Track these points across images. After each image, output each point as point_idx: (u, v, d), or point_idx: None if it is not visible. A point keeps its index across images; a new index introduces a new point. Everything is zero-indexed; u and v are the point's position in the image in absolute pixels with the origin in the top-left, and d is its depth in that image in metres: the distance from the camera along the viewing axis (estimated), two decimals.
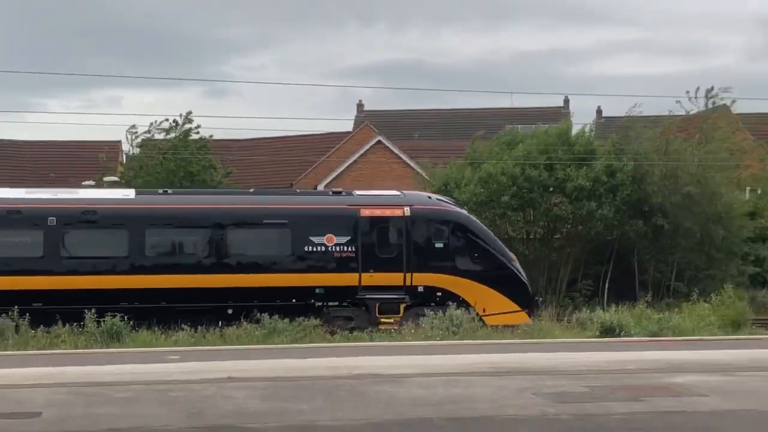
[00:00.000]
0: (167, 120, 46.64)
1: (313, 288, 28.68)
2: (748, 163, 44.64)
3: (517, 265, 31.13)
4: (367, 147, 51.85)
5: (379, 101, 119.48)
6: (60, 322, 24.89)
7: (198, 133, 47.17)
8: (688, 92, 43.54)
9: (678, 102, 43.38)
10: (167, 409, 14.29)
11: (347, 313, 28.78)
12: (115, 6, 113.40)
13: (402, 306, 28.87)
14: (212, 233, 29.20)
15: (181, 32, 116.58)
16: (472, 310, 27.86)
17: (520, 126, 50.01)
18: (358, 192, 31.74)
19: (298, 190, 34.93)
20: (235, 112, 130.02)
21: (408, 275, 29.31)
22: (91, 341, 24.06)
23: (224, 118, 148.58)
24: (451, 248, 29.93)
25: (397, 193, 31.90)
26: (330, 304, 28.89)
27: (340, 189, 33.09)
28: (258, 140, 57.20)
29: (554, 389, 15.92)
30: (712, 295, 31.18)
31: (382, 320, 28.33)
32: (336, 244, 29.14)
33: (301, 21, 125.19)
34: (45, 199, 29.00)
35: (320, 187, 46.56)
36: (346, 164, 51.17)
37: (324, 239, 29.06)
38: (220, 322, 26.70)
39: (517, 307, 29.62)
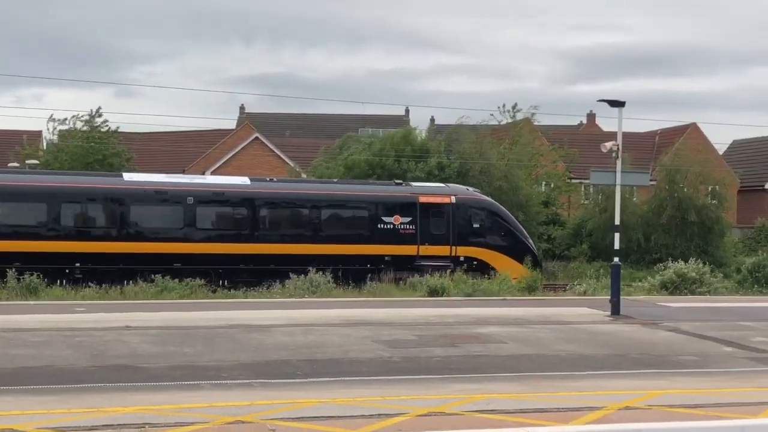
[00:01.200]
0: (80, 115, 45.29)
1: (383, 256, 30.42)
2: (544, 163, 45.88)
3: (531, 242, 33.95)
4: (246, 142, 51.43)
5: (259, 106, 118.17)
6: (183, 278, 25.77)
7: (107, 126, 45.89)
8: (499, 107, 44.72)
9: (492, 114, 44.51)
10: (73, 351, 13.94)
11: (405, 274, 29.66)
12: (35, 14, 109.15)
13: (448, 271, 29.47)
14: (310, 212, 31.18)
15: (94, 41, 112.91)
16: (499, 274, 29.48)
17: (370, 129, 50.33)
18: (414, 183, 34.04)
19: (370, 181, 36.63)
20: (140, 110, 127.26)
21: (453, 248, 31.58)
22: (12, 295, 23.20)
23: (131, 114, 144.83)
24: (485, 228, 32.47)
25: (443, 185, 34.28)
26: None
27: (400, 180, 34.29)
28: (157, 134, 55.88)
29: (390, 337, 16.08)
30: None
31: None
32: (401, 224, 31.34)
33: (197, 37, 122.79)
34: (184, 183, 30.81)
35: (207, 174, 45.75)
36: (229, 156, 50.62)
37: (392, 219, 31.29)
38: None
39: (525, 270, 30.94)
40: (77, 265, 27.38)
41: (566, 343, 16.07)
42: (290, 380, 12.04)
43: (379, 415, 9.33)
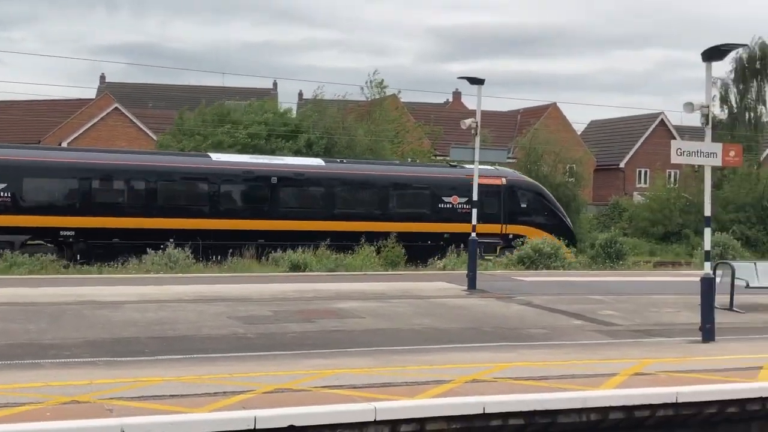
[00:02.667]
0: None
1: (443, 233, 31.72)
2: (410, 139, 46.21)
3: (569, 221, 36.70)
4: (105, 113, 49.76)
5: (123, 76, 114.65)
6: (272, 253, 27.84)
7: None
8: (366, 83, 44.73)
9: (361, 89, 44.54)
10: None
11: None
12: None
13: (498, 248, 32.30)
14: (380, 192, 32.80)
15: None
16: None
17: (233, 102, 49.51)
18: (467, 165, 33.48)
19: (430, 164, 38.75)
20: None
21: (503, 226, 33.91)
22: None
23: None
24: (531, 208, 34.86)
25: (492, 167, 35.08)
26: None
27: (455, 162, 34.35)
28: (12, 102, 53.48)
29: (246, 313, 15.81)
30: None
31: (486, 257, 30.12)
32: (459, 203, 33.18)
33: (59, 3, 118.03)
34: (269, 164, 32.21)
35: (64, 144, 44.05)
36: (87, 126, 48.84)
37: (451, 200, 33.29)
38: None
39: (567, 250, 32.20)
40: (171, 240, 27.48)
41: (422, 317, 16.19)
42: (137, 358, 11.63)
43: (225, 392, 9.11)
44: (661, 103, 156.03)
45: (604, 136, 65.08)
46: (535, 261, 28.36)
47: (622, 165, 60.21)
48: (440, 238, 31.84)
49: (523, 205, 34.72)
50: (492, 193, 33.62)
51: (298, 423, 8.38)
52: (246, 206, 31.13)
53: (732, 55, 26.17)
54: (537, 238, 31.78)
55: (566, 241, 32.88)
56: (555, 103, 59.95)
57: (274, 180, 31.17)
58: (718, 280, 16.58)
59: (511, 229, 33.93)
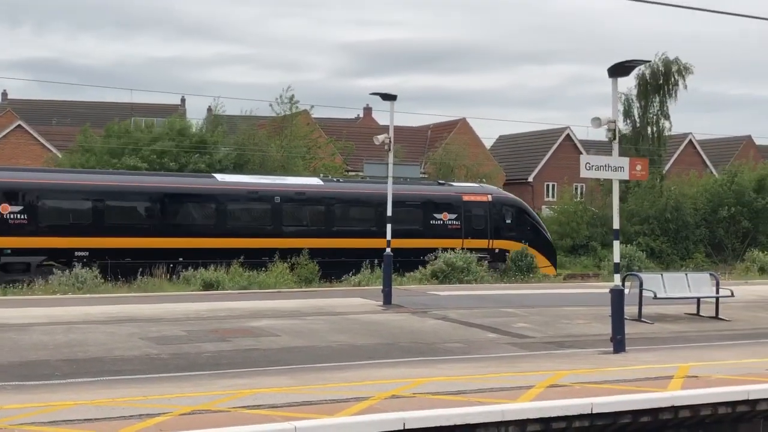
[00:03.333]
0: None
1: (435, 248, 31.48)
2: (321, 155, 46.20)
3: (549, 235, 38.41)
4: (8, 130, 48.42)
5: (25, 92, 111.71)
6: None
7: None
8: (277, 99, 44.63)
9: (270, 105, 44.39)
10: None
11: None
12: None
13: (485, 262, 32.78)
14: (375, 210, 33.32)
15: None
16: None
17: (144, 119, 48.79)
18: (455, 183, 37.87)
19: (423, 182, 39.14)
20: None
21: (490, 241, 35.46)
22: None
23: None
24: (515, 223, 36.29)
25: (477, 185, 38.23)
26: None
27: (443, 180, 37.55)
28: None
29: (158, 333, 15.51)
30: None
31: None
32: (449, 220, 34.83)
33: None
34: (273, 183, 33.38)
35: None
36: None
37: (441, 216, 34.75)
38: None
39: (549, 264, 36.12)
40: (180, 259, 29.08)
41: (338, 333, 16.14)
42: (47, 381, 11.30)
43: (140, 415, 8.90)
44: (568, 119, 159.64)
45: (513, 150, 66.16)
46: (449, 275, 28.61)
47: (530, 179, 61.26)
48: (431, 252, 31.94)
49: (508, 221, 36.27)
50: (478, 209, 35.54)
51: None
52: (251, 225, 32.24)
53: (635, 71, 26.87)
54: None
55: (549, 257, 36.00)
56: (464, 119, 60.71)
57: (277, 199, 32.46)
58: (626, 291, 16.96)
59: (497, 244, 35.54)
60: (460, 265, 28.88)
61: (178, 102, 64.14)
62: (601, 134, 43.58)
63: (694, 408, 10.55)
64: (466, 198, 35.48)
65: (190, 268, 27.57)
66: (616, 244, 15.21)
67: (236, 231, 31.51)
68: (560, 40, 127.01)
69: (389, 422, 9.01)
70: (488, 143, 64.67)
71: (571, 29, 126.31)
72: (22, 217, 28.37)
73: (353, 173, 47.38)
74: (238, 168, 40.06)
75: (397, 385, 10.86)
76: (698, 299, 19.90)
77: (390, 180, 21.48)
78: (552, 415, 9.82)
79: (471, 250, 32.49)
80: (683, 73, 50.11)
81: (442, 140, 56.29)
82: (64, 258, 28.31)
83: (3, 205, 28.10)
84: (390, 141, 20.93)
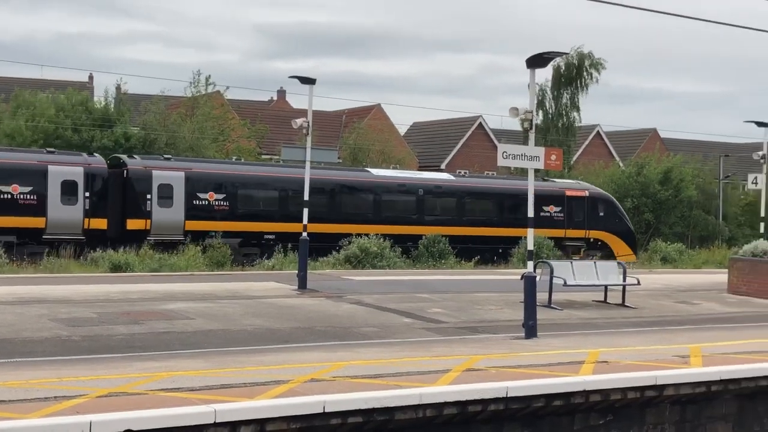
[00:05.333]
0: None
1: (543, 238, 35.57)
2: (235, 138, 45.79)
3: (632, 226, 42.73)
4: None
5: None
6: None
7: None
8: (191, 81, 44.13)
9: (189, 84, 43.98)
10: None
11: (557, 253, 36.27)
12: None
13: (582, 249, 38.72)
14: (498, 202, 38.69)
15: None
16: (611, 253, 38.78)
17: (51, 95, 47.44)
18: (557, 180, 42.53)
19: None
20: None
21: (587, 232, 40.04)
22: None
23: None
24: (607, 216, 40.80)
25: (575, 181, 43.64)
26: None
27: (546, 177, 41.73)
28: None
29: (68, 315, 15.24)
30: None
31: (573, 257, 35.64)
32: (555, 212, 39.17)
33: None
34: (417, 177, 38.50)
35: None
36: None
37: (549, 209, 38.86)
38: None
39: (630, 252, 40.20)
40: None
41: (254, 317, 16.11)
42: None
43: (56, 397, 8.77)
44: (482, 107, 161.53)
45: (426, 137, 66.63)
46: (362, 260, 28.75)
47: (443, 166, 61.73)
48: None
49: (601, 214, 40.77)
50: (578, 203, 40.17)
51: (135, 427, 8.16)
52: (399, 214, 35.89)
53: (551, 63, 27.35)
54: (612, 242, 40.15)
55: (631, 246, 40.54)
56: (379, 104, 60.86)
57: (420, 192, 36.77)
58: (538, 278, 17.35)
59: (592, 234, 40.26)
60: (374, 250, 29.06)
61: (86, 79, 62.63)
62: (513, 123, 44.16)
63: (604, 392, 10.89)
64: (568, 193, 40.41)
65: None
66: (530, 231, 15.55)
67: (388, 219, 35.19)
68: (476, 29, 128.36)
69: (309, 405, 9.07)
70: (403, 129, 65.00)
71: (488, 19, 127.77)
72: (225, 204, 32.31)
73: (267, 157, 47.07)
74: (147, 147, 39.36)
75: (315, 369, 10.93)
76: (606, 287, 20.48)
77: (308, 165, 21.42)
78: (468, 399, 10.02)
79: (571, 238, 39.21)
80: (596, 67, 51.27)
81: (357, 125, 56.35)
82: (255, 240, 32.30)
83: None
84: (308, 125, 20.90)
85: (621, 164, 60.26)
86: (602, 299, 20.56)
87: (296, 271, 21.51)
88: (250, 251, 31.88)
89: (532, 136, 15.53)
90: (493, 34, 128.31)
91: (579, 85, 51.60)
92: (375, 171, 38.26)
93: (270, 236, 31.85)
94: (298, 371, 10.73)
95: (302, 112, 21.61)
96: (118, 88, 45.69)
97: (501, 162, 15.41)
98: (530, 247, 15.54)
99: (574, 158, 58.57)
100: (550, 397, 10.54)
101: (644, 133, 71.82)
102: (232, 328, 14.97)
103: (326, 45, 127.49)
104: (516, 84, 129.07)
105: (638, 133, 71.74)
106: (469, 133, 63.19)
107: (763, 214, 26.11)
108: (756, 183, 25.87)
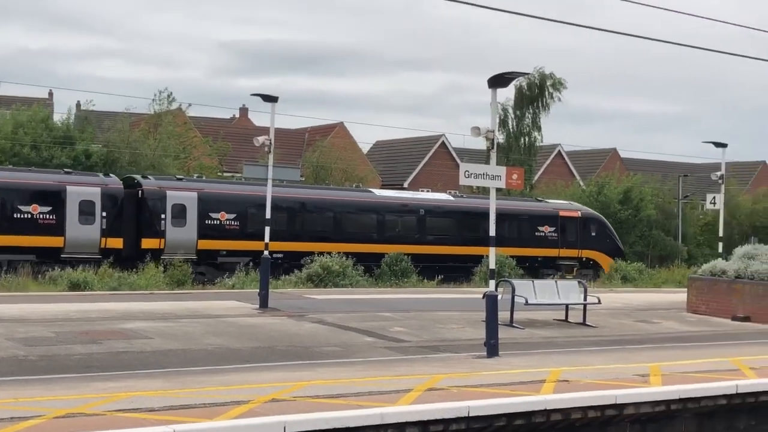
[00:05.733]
0: None
1: (537, 257, 39.38)
2: (196, 155, 45.60)
3: (621, 245, 43.98)
4: None
5: None
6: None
7: None
8: (154, 97, 43.99)
9: (152, 101, 43.88)
10: None
11: (550, 272, 39.10)
12: None
13: (574, 269, 39.87)
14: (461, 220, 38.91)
15: None
16: (601, 271, 40.41)
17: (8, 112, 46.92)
18: (550, 200, 43.97)
19: (526, 198, 45.24)
20: None
21: (579, 251, 41.27)
22: None
23: None
24: (598, 235, 42.20)
25: (567, 202, 44.76)
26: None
27: (541, 198, 44.24)
28: None
29: (25, 334, 15.02)
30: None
31: (566, 276, 36.87)
32: (549, 232, 40.48)
33: None
34: (419, 198, 39.34)
35: None
36: None
37: (543, 229, 40.34)
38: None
39: None
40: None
41: (214, 336, 15.98)
42: None
43: (12, 418, 8.62)
44: (444, 126, 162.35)
45: (389, 156, 66.77)
46: (324, 279, 28.67)
47: (405, 185, 61.87)
48: (535, 260, 39.33)
49: (593, 234, 42.04)
50: (571, 223, 41.36)
51: None
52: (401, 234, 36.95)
53: (513, 82, 27.81)
54: (603, 260, 41.05)
55: (618, 260, 41.20)
56: (342, 122, 60.93)
57: (421, 212, 38.06)
58: (499, 297, 17.41)
59: (585, 253, 41.45)
60: (336, 269, 29.00)
61: (46, 96, 62.06)
62: (475, 143, 44.56)
63: (565, 411, 10.94)
64: (562, 213, 41.55)
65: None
66: (492, 250, 15.60)
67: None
68: (439, 48, 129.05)
69: (270, 426, 9.01)
70: (365, 148, 65.10)
71: (450, 38, 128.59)
72: (235, 223, 33.18)
73: (229, 174, 46.88)
74: (108, 166, 39.03)
75: (276, 389, 10.86)
76: (567, 306, 20.60)
77: (269, 183, 21.34)
78: (430, 418, 10.01)
79: (564, 258, 40.47)
80: (558, 87, 51.80)
81: (319, 143, 56.34)
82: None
83: None
84: (270, 143, 20.86)
85: (582, 183, 60.81)
86: (563, 318, 20.68)
87: (258, 290, 21.38)
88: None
89: (493, 155, 15.62)
90: (455, 54, 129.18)
91: (541, 104, 52.12)
92: (378, 192, 39.95)
93: (278, 255, 31.26)
94: (259, 391, 10.65)
95: (265, 130, 21.54)
96: (78, 104, 45.32)
97: (463, 181, 15.48)
98: (492, 266, 15.59)
99: (536, 177, 59.00)
100: (511, 416, 10.57)
101: (604, 153, 72.55)
102: (193, 347, 14.84)
103: (289, 63, 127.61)
104: (478, 103, 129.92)
105: (599, 153, 72.45)
106: (432, 151, 63.42)
107: (721, 233, 26.46)
108: (714, 203, 26.22)
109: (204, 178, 36.89)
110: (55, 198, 29.52)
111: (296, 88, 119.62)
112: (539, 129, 52.65)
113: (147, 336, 15.54)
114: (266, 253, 21.14)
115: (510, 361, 14.40)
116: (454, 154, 61.88)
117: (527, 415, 10.63)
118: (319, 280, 28.58)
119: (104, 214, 30.21)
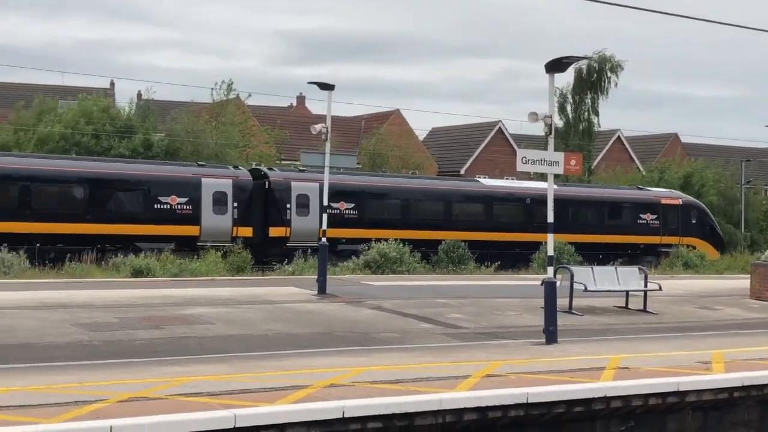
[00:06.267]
0: None
1: (639, 245, 40.54)
2: (255, 143, 45.98)
3: (720, 232, 44.60)
4: None
5: None
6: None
7: None
8: (213, 87, 44.45)
9: (211, 91, 44.38)
10: None
11: (650, 258, 39.19)
12: None
13: (672, 255, 39.04)
14: (597, 210, 40.93)
15: None
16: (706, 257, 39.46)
17: (71, 101, 47.77)
18: (651, 188, 44.73)
19: (632, 187, 46.33)
20: None
21: (680, 238, 41.40)
22: None
23: None
24: (698, 223, 42.89)
25: (667, 190, 45.36)
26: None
27: (641, 186, 45.12)
28: None
29: (90, 320, 15.28)
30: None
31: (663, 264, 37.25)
32: (651, 219, 41.47)
33: None
34: (521, 187, 39.81)
35: None
36: None
37: (646, 216, 41.38)
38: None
39: (718, 255, 41.70)
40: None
41: (273, 322, 16.11)
42: None
43: (77, 402, 8.80)
44: (502, 112, 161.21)
45: (445, 143, 66.57)
46: (381, 265, 28.71)
47: (462, 171, 61.69)
48: (637, 248, 40.63)
49: (693, 221, 42.84)
50: (672, 211, 42.17)
51: None
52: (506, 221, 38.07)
53: (573, 67, 27.60)
54: (703, 247, 41.28)
55: (719, 249, 42.49)
56: (398, 110, 60.87)
57: (528, 200, 38.20)
58: (558, 284, 17.27)
59: (685, 240, 41.82)
60: (393, 255, 29.02)
61: (108, 86, 63.06)
62: (532, 128, 44.16)
63: (625, 399, 10.83)
64: (663, 201, 42.44)
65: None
66: (550, 237, 15.46)
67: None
68: (497, 33, 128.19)
69: (329, 410, 9.06)
70: (421, 135, 64.98)
71: (508, 23, 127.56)
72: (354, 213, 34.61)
73: (287, 162, 47.17)
74: (169, 155, 39.52)
75: (335, 374, 10.91)
76: (627, 292, 20.35)
77: (326, 170, 21.43)
78: (488, 405, 9.98)
79: (665, 245, 41.00)
80: (615, 70, 50.93)
81: (376, 131, 56.39)
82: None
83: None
84: (327, 131, 20.92)
85: (641, 169, 59.95)
86: (623, 305, 20.44)
87: (316, 276, 21.50)
88: None
89: (551, 141, 15.45)
90: (512, 39, 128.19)
91: (599, 88, 51.31)
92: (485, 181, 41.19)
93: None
94: (318, 376, 10.71)
95: (321, 118, 21.61)
96: (139, 94, 45.90)
97: (520, 167, 15.36)
98: (550, 252, 15.46)
99: (595, 162, 58.34)
100: (570, 404, 10.48)
101: (665, 138, 71.46)
102: (253, 332, 14.98)
103: (346, 50, 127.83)
104: (537, 89, 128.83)
105: (659, 138, 71.38)
106: (489, 137, 63.06)
107: None
108: None
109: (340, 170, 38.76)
110: (191, 189, 31.32)
111: (352, 76, 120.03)
112: (597, 113, 51.96)
113: (208, 321, 15.72)
114: (324, 239, 21.21)
115: (569, 348, 14.28)
116: (511, 140, 61.45)
117: (587, 402, 10.53)
118: (376, 267, 28.63)
119: (235, 204, 31.88)
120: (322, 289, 20.65)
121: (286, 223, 32.91)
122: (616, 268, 20.97)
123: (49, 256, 27.99)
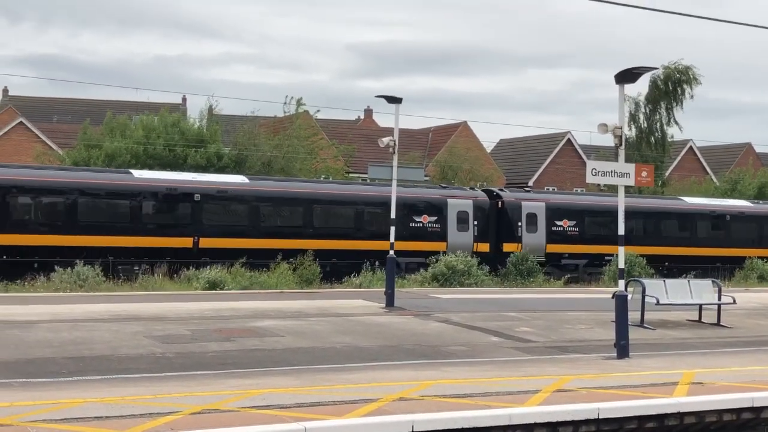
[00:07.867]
0: None
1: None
2: (323, 157, 46.33)
3: None
4: (9, 127, 48.33)
5: (28, 89, 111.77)
6: None
7: None
8: (285, 101, 45.07)
9: (284, 105, 45.00)
10: None
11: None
12: None
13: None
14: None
15: None
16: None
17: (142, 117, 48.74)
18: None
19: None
20: None
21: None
22: None
23: None
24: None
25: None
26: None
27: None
28: None
29: (163, 332, 15.55)
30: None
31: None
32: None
33: None
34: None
35: None
36: None
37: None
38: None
39: None
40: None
41: (342, 335, 16.18)
42: (54, 379, 11.35)
43: (151, 414, 8.95)
44: (572, 123, 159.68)
45: (513, 154, 66.16)
46: (449, 278, 28.64)
47: (530, 183, 61.23)
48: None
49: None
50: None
51: None
52: None
53: (649, 75, 27.20)
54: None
55: None
56: (465, 122, 60.70)
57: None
58: (629, 297, 17.02)
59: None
60: (461, 268, 28.93)
61: (180, 101, 64.19)
62: (601, 139, 43.62)
63: (699, 414, 10.62)
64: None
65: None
66: (621, 249, 15.25)
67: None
68: (567, 43, 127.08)
69: (398, 424, 9.06)
70: (489, 147, 64.70)
71: (579, 33, 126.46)
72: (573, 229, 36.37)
73: (355, 175, 47.41)
74: (237, 166, 40.06)
75: (403, 388, 10.91)
76: (700, 306, 19.97)
77: (394, 183, 21.47)
78: (559, 420, 9.88)
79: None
80: (691, 83, 49.70)
81: (443, 143, 56.35)
82: (597, 261, 35.24)
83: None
84: (395, 144, 20.98)
85: (714, 179, 58.79)
86: (696, 318, 20.06)
87: (383, 289, 21.55)
88: (593, 270, 35.59)
89: (621, 152, 15.27)
90: (584, 49, 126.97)
91: (675, 98, 50.15)
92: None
93: (609, 257, 33.60)
94: (387, 390, 10.73)
95: (389, 131, 21.69)
96: (210, 108, 46.59)
97: (590, 179, 15.20)
98: (621, 265, 15.25)
99: (667, 173, 57.37)
100: (643, 419, 10.31)
101: (738, 148, 69.96)
102: (321, 345, 15.07)
103: (412, 63, 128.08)
104: (608, 99, 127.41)
105: (732, 148, 69.92)
106: (558, 149, 62.44)
107: None
108: None
109: (553, 189, 39.69)
110: (438, 210, 34.10)
111: (419, 88, 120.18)
112: (677, 123, 50.76)
113: (278, 334, 15.86)
114: (392, 253, 21.25)
115: (641, 363, 14.06)
116: (581, 152, 60.77)
117: (659, 417, 10.36)
118: (444, 279, 28.57)
119: (475, 222, 34.65)
120: (390, 302, 20.69)
121: (518, 239, 35.33)
122: (688, 281, 20.59)
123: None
